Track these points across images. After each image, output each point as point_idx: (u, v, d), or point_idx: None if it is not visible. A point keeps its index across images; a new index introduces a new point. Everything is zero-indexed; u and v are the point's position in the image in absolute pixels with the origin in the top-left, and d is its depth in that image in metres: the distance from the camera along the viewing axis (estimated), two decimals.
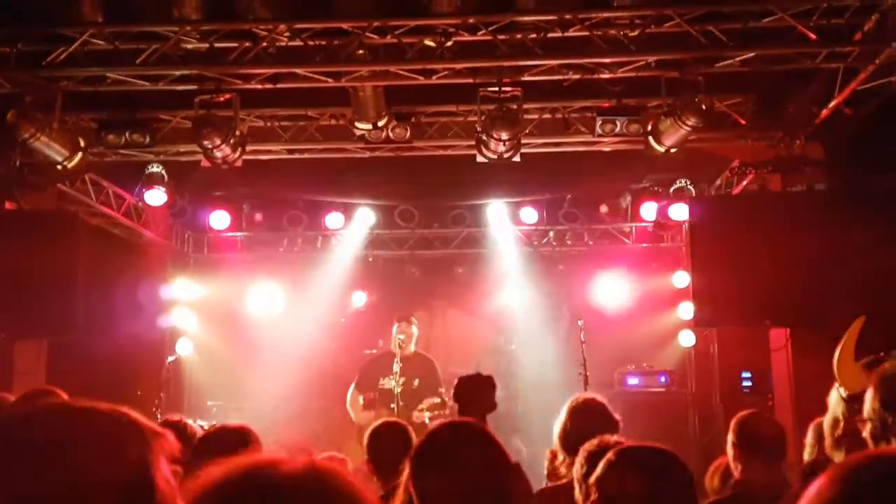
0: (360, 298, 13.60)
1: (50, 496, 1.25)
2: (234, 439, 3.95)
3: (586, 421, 4.40)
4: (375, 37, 7.92)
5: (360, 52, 8.04)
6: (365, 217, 12.87)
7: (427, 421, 8.87)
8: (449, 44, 7.96)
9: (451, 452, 2.91)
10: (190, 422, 4.82)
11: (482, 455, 2.90)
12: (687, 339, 12.68)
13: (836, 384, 3.43)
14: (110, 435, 1.33)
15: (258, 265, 13.49)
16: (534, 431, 11.50)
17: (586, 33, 7.78)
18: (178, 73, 8.34)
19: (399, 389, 9.08)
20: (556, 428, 4.62)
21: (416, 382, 9.33)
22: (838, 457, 3.24)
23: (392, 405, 9.02)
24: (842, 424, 3.28)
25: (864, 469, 1.28)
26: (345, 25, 7.91)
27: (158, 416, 8.01)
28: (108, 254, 11.13)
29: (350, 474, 1.44)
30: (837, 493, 1.23)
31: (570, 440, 4.34)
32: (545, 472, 5.00)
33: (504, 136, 8.62)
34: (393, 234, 13.33)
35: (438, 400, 9.27)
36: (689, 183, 11.48)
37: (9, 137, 8.49)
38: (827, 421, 3.44)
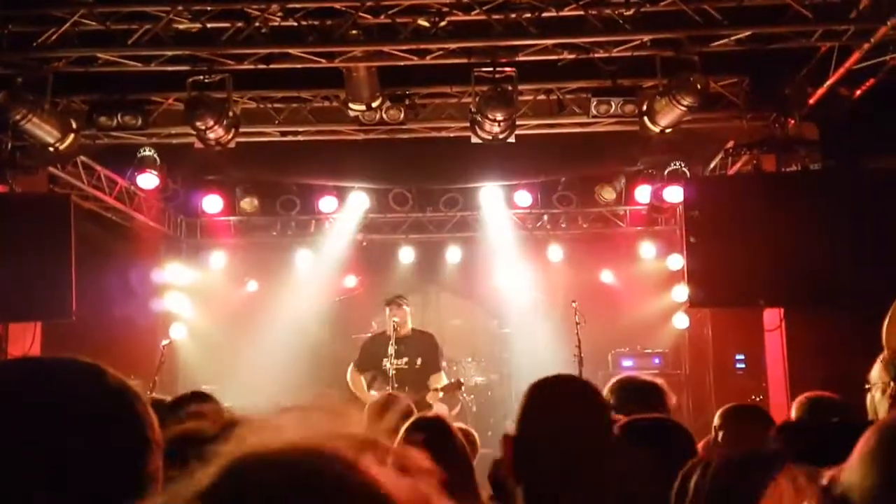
0: (352, 282, 13.57)
1: None
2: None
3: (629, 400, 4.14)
4: (369, 16, 7.87)
5: (354, 32, 8.00)
6: (359, 200, 12.82)
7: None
8: (443, 23, 7.92)
9: None
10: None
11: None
12: (681, 321, 12.69)
13: (881, 357, 3.37)
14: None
15: (251, 249, 13.47)
16: None
17: (581, 12, 7.75)
18: (169, 53, 8.29)
19: (394, 372, 9.05)
20: None
21: (419, 361, 9.29)
22: None
23: (388, 387, 9.00)
24: (891, 387, 3.23)
25: None
26: (338, 5, 7.85)
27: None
28: (100, 237, 11.09)
29: None
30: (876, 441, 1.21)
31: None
32: None
33: (499, 116, 8.58)
34: (387, 218, 13.30)
35: (453, 380, 9.35)
36: (683, 165, 11.46)
37: (0, 119, 8.44)
38: (878, 389, 3.36)
